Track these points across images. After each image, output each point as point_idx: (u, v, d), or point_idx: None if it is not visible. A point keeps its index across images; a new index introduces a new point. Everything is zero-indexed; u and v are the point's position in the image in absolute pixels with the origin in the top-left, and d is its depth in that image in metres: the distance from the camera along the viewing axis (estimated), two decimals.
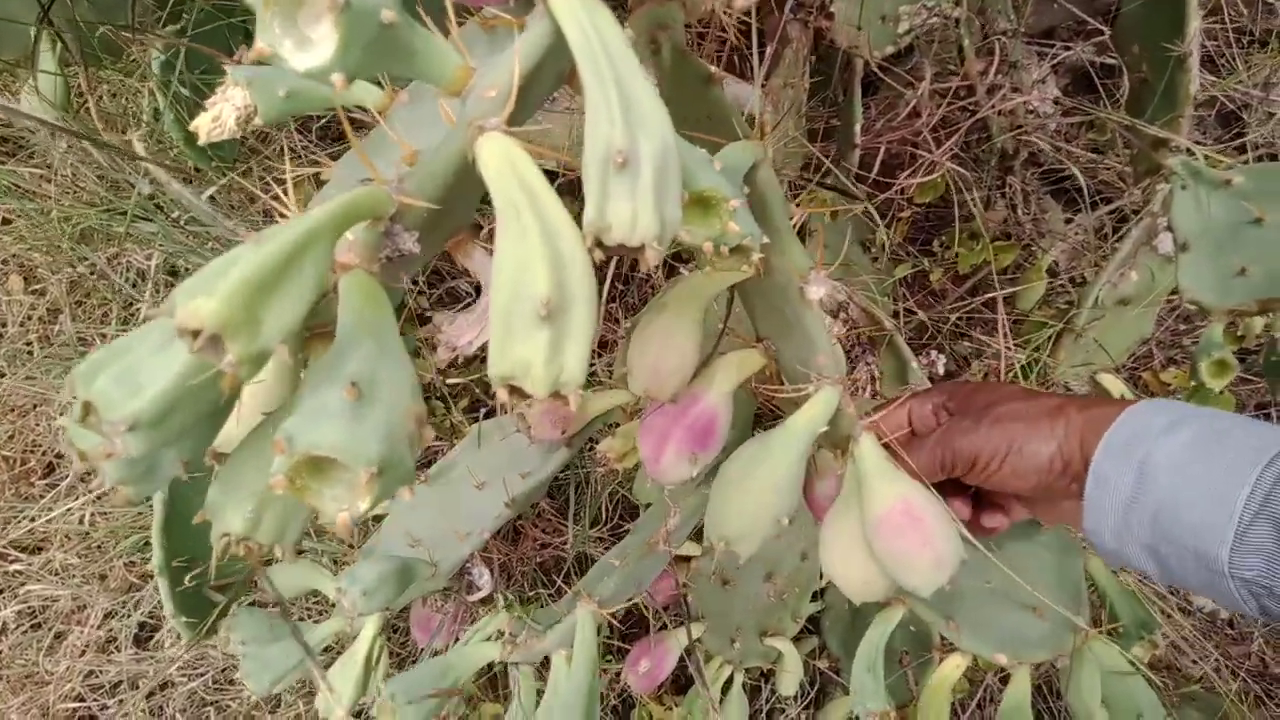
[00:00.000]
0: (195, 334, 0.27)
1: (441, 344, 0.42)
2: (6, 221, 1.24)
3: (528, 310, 0.33)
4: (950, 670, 0.71)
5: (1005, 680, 1.19)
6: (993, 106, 1.24)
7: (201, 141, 0.51)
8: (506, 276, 0.33)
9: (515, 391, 0.33)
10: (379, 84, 0.65)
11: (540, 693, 0.69)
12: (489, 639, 0.77)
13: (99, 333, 1.20)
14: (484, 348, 0.43)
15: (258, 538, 0.37)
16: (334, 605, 0.90)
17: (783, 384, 0.62)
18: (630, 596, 0.72)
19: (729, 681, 1.03)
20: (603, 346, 1.12)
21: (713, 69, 0.59)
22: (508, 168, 0.34)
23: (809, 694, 1.19)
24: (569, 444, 0.91)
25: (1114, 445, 0.51)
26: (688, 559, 1.01)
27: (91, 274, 1.22)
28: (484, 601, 0.86)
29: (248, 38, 1.05)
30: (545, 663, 0.78)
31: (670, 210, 0.34)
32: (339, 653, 0.93)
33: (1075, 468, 0.53)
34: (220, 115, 0.50)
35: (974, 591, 0.71)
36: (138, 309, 1.21)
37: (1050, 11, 1.49)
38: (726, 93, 0.59)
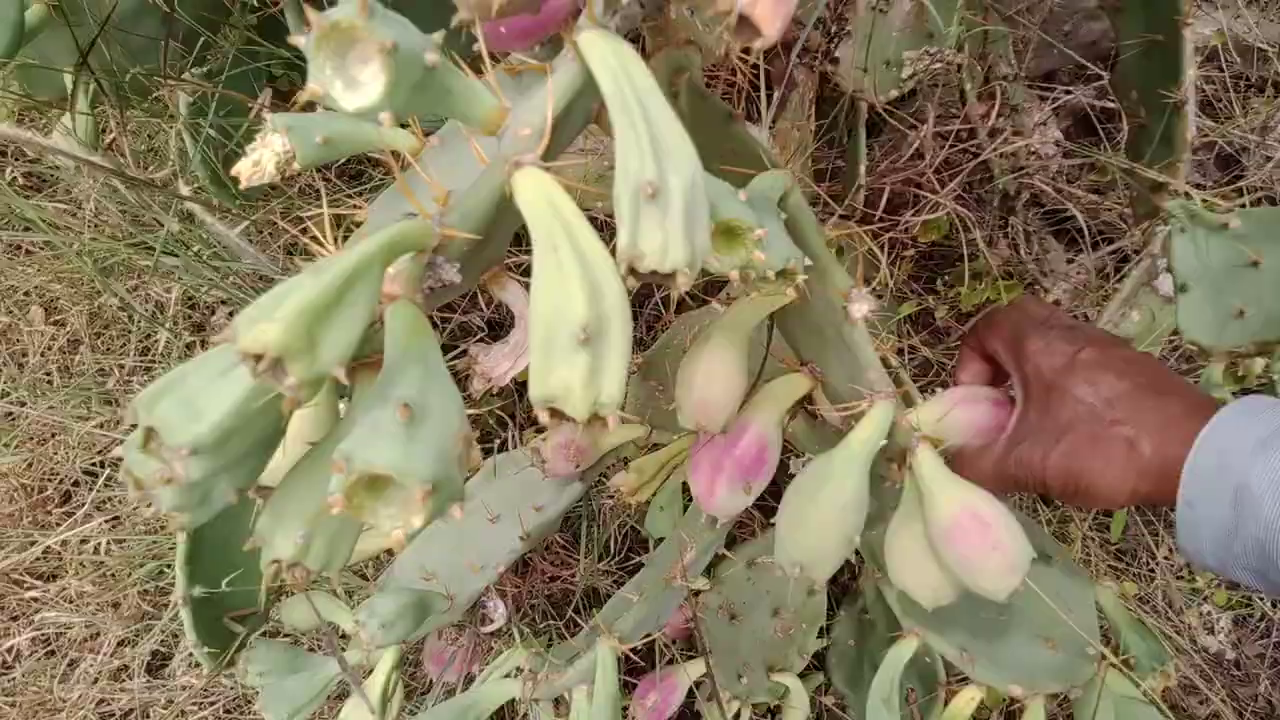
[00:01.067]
0: (258, 359, 0.28)
1: (477, 375, 0.44)
2: (29, 253, 1.27)
3: (566, 336, 0.34)
4: (964, 703, 0.72)
5: (1010, 717, 1.18)
6: (995, 149, 1.27)
7: (243, 185, 0.53)
8: (545, 304, 0.35)
9: (555, 414, 0.35)
10: (404, 125, 0.67)
11: None
12: (507, 675, 0.78)
13: (118, 363, 1.22)
14: (519, 377, 0.45)
15: (307, 563, 0.39)
16: (348, 638, 0.90)
17: (823, 404, 0.64)
18: (649, 632, 0.73)
19: (736, 717, 1.03)
20: None
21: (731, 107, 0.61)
22: (544, 201, 0.36)
23: None
24: (582, 478, 0.93)
25: (1203, 470, 0.48)
26: (696, 593, 1.02)
27: (111, 306, 1.24)
28: (497, 634, 0.87)
29: (271, 79, 1.09)
30: (559, 699, 0.78)
31: (699, 239, 0.36)
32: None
33: (1159, 496, 0.50)
34: (261, 160, 0.52)
35: (987, 622, 0.71)
36: (156, 340, 1.23)
37: (1050, 56, 1.53)
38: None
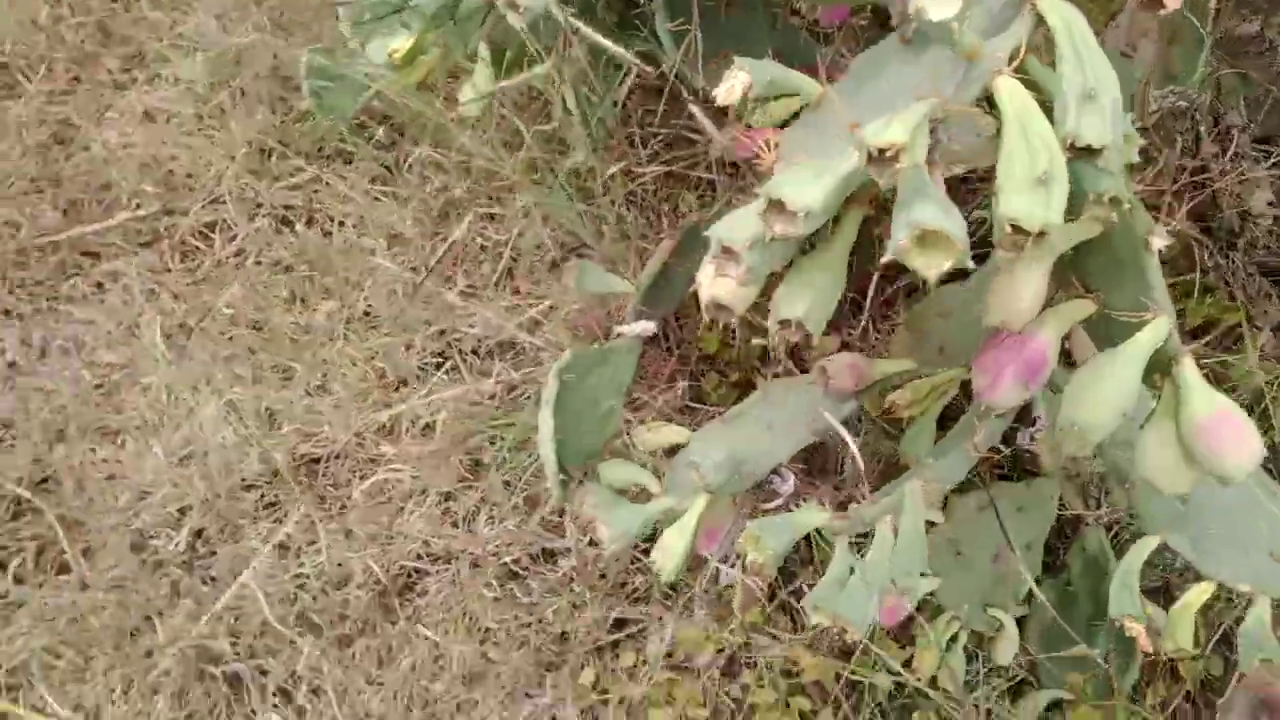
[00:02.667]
0: (882, 151, 0.49)
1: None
2: (378, 200, 1.56)
3: (1030, 177, 0.54)
4: (1197, 595, 0.85)
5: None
6: (1223, 184, 1.40)
7: (721, 102, 0.75)
8: (1017, 157, 0.55)
9: (1016, 230, 0.54)
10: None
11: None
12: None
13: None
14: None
15: (807, 323, 0.60)
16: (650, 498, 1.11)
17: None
18: (946, 486, 0.90)
19: (954, 638, 1.18)
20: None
21: None
22: (1016, 97, 0.56)
23: (1007, 686, 1.30)
24: (855, 397, 1.11)
25: None
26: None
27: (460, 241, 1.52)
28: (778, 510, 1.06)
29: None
30: None
31: (1117, 132, 0.55)
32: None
33: None
34: (734, 87, 0.75)
35: (1217, 535, 0.86)
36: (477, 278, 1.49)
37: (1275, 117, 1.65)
38: None
